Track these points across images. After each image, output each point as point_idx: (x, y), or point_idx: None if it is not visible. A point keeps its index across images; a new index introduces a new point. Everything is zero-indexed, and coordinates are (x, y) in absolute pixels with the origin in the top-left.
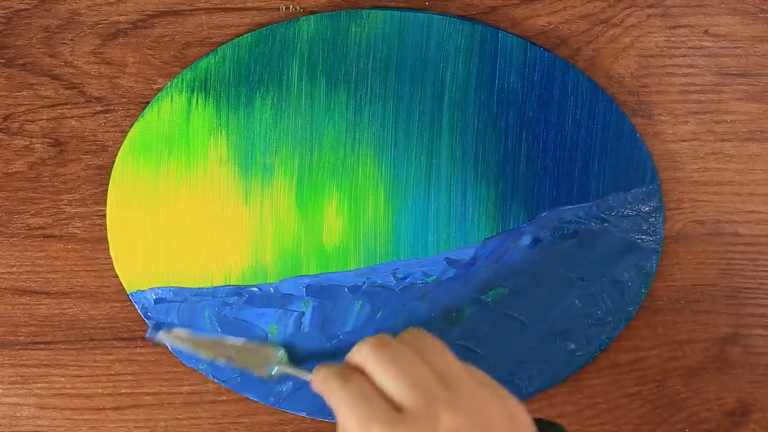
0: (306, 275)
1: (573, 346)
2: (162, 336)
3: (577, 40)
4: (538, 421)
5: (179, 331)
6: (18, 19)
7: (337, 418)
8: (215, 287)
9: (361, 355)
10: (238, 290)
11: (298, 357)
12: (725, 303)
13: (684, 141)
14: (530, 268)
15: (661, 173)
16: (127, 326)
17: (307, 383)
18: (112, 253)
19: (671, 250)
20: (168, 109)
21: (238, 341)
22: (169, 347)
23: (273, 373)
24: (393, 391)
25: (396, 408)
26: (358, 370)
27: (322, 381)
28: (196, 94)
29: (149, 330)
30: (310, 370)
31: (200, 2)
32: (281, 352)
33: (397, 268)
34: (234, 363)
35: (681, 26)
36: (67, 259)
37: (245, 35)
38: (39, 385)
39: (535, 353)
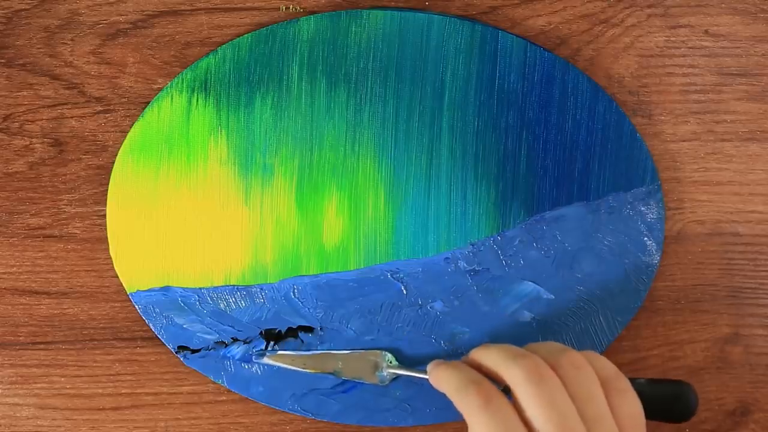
0: (306, 275)
1: (573, 346)
2: (268, 359)
3: (577, 40)
4: (659, 382)
5: (284, 352)
6: (18, 19)
7: (470, 430)
8: (215, 287)
9: (511, 374)
10: (238, 290)
11: (406, 359)
12: (725, 303)
13: (684, 141)
14: (534, 268)
15: (661, 173)
16: (127, 326)
17: (425, 381)
18: (112, 253)
19: (671, 250)
20: (168, 109)
21: (343, 352)
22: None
23: (384, 377)
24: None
25: None
26: (499, 392)
27: (455, 390)
28: (196, 94)
29: (255, 356)
30: (421, 370)
31: (200, 2)
32: (389, 356)
33: (397, 268)
34: (342, 374)
35: (681, 26)
36: (67, 259)
37: (245, 35)
38: (39, 385)
39: None
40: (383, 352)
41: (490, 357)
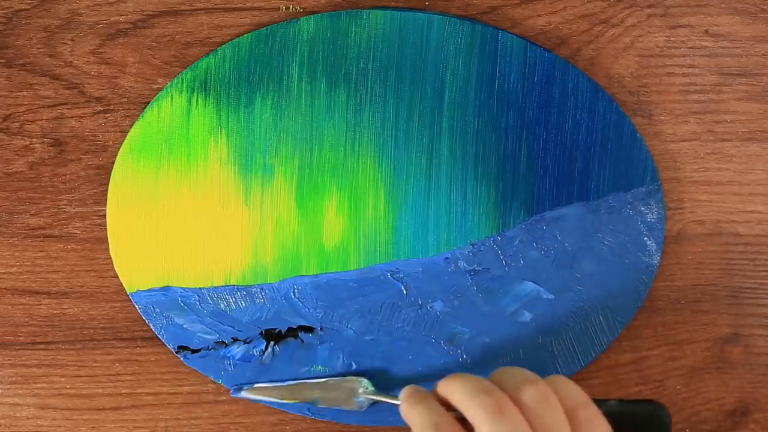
0: (306, 275)
1: (573, 346)
2: (245, 393)
3: (577, 40)
4: (630, 403)
5: (261, 385)
6: (18, 19)
7: None
8: (215, 287)
9: (472, 413)
10: (238, 290)
11: (383, 383)
12: (725, 303)
13: (684, 141)
14: (534, 268)
15: (661, 173)
16: (127, 326)
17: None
18: (112, 253)
19: (671, 250)
20: (168, 109)
21: (320, 380)
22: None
23: (362, 403)
24: None
25: None
26: (458, 420)
27: (419, 425)
28: (196, 94)
29: (232, 390)
30: (396, 395)
31: (200, 2)
32: (365, 382)
33: (397, 268)
34: (320, 402)
35: (681, 26)
36: (67, 259)
37: (245, 35)
38: (39, 385)
39: (535, 353)
40: (360, 378)
41: (453, 392)
